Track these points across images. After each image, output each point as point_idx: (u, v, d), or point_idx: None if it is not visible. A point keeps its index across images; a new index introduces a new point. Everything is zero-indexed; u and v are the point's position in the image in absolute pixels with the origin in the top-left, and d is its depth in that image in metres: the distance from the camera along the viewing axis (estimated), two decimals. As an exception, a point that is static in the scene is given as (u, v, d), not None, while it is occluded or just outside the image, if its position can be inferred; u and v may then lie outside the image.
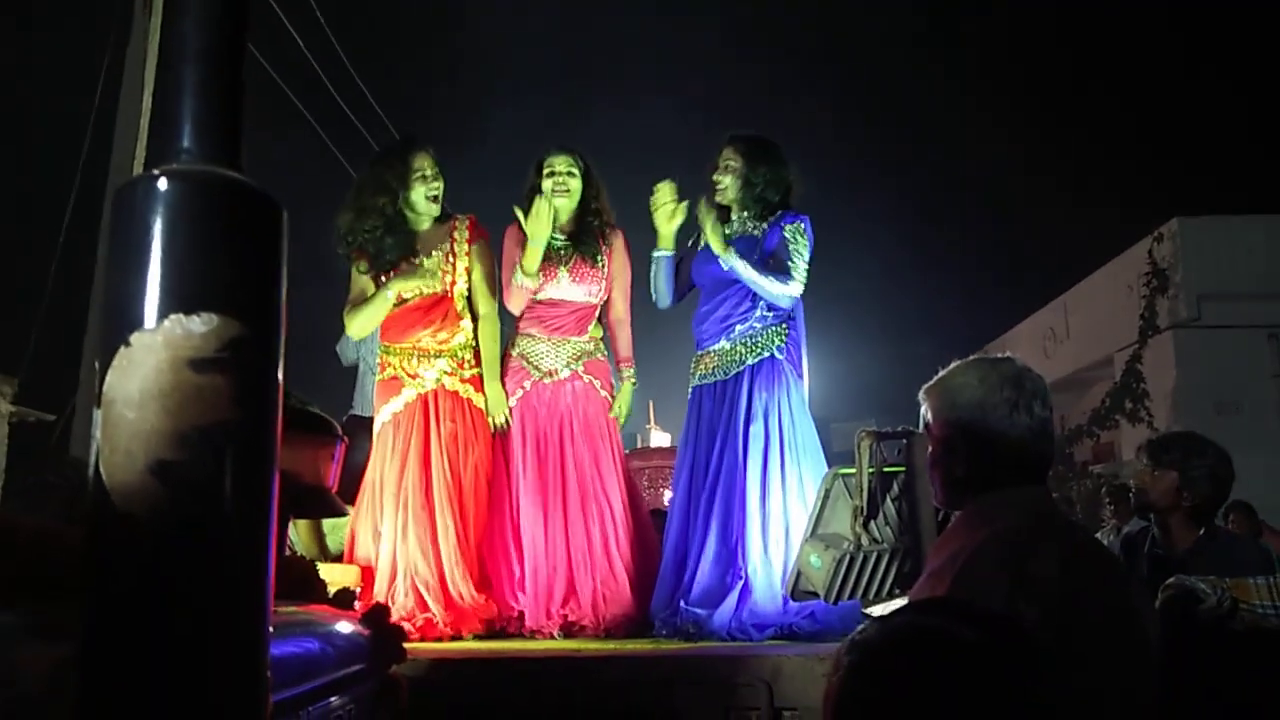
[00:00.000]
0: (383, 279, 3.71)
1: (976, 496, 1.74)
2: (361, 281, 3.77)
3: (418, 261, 3.72)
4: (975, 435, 1.73)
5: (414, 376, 3.69)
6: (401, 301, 3.73)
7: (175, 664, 0.88)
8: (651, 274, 3.76)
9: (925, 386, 1.87)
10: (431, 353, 3.71)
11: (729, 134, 3.75)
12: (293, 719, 1.47)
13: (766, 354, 3.52)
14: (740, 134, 3.73)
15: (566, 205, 3.79)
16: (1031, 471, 1.76)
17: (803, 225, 3.57)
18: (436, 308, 3.74)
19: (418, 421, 3.64)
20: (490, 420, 3.70)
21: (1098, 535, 4.39)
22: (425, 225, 3.82)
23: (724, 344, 3.59)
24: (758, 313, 3.56)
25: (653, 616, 3.44)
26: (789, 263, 3.51)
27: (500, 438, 3.74)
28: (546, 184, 3.76)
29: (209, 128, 0.94)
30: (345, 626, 1.86)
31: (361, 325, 3.76)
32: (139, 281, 0.89)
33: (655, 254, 3.73)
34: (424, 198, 3.74)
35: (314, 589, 2.11)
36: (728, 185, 3.67)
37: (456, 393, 3.71)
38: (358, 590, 3.41)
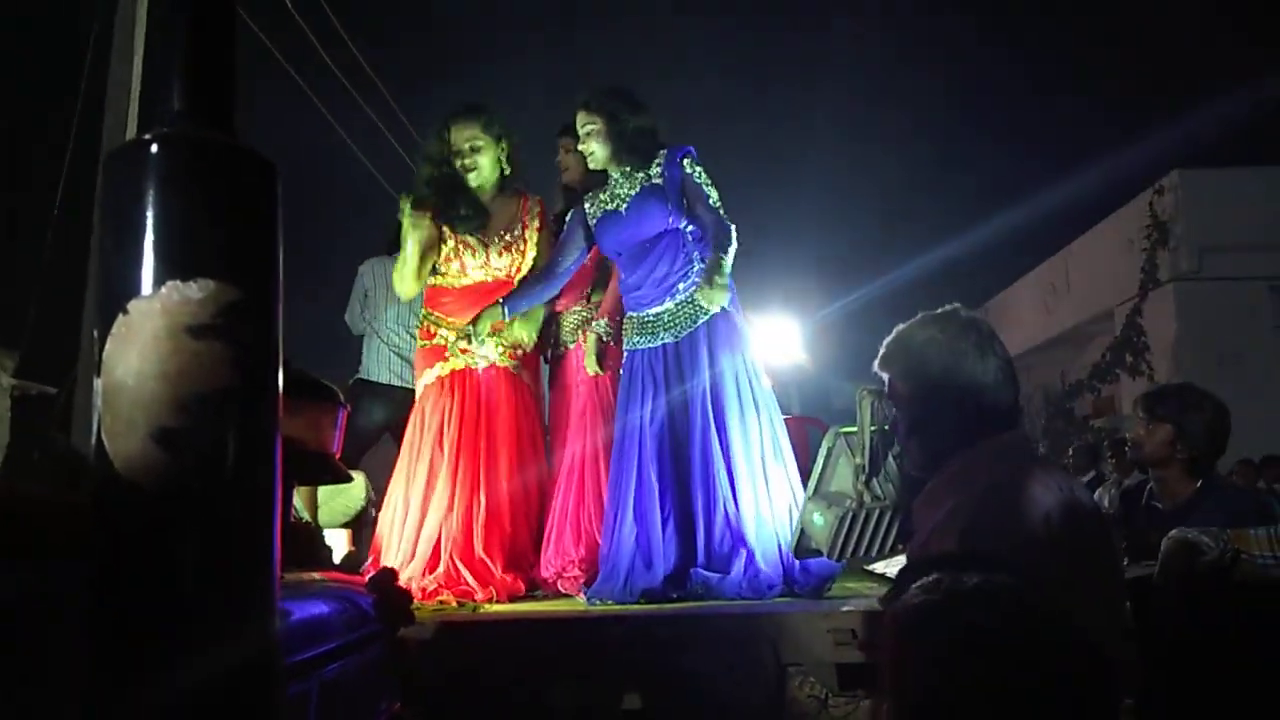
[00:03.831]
0: (455, 242, 3.68)
1: (962, 451, 1.72)
2: (414, 240, 3.65)
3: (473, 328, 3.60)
4: (954, 386, 1.71)
5: (463, 351, 3.67)
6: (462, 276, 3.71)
7: (183, 631, 0.89)
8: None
9: (882, 356, 1.83)
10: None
11: (578, 99, 3.55)
12: (303, 683, 1.49)
13: (717, 309, 3.36)
14: (587, 95, 3.54)
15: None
16: (1009, 415, 1.75)
17: (691, 157, 3.44)
18: (499, 292, 3.69)
19: (461, 393, 3.62)
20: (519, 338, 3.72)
21: (1100, 490, 4.41)
22: (489, 192, 3.75)
23: (669, 304, 3.44)
24: (695, 267, 3.42)
25: (646, 584, 3.40)
26: (707, 202, 3.36)
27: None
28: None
29: (201, 91, 0.93)
30: (352, 591, 1.87)
31: (408, 288, 3.71)
32: (134, 248, 0.88)
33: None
34: (461, 167, 3.68)
35: (319, 554, 2.13)
36: (595, 150, 3.51)
37: (507, 369, 3.70)
38: (352, 551, 3.43)
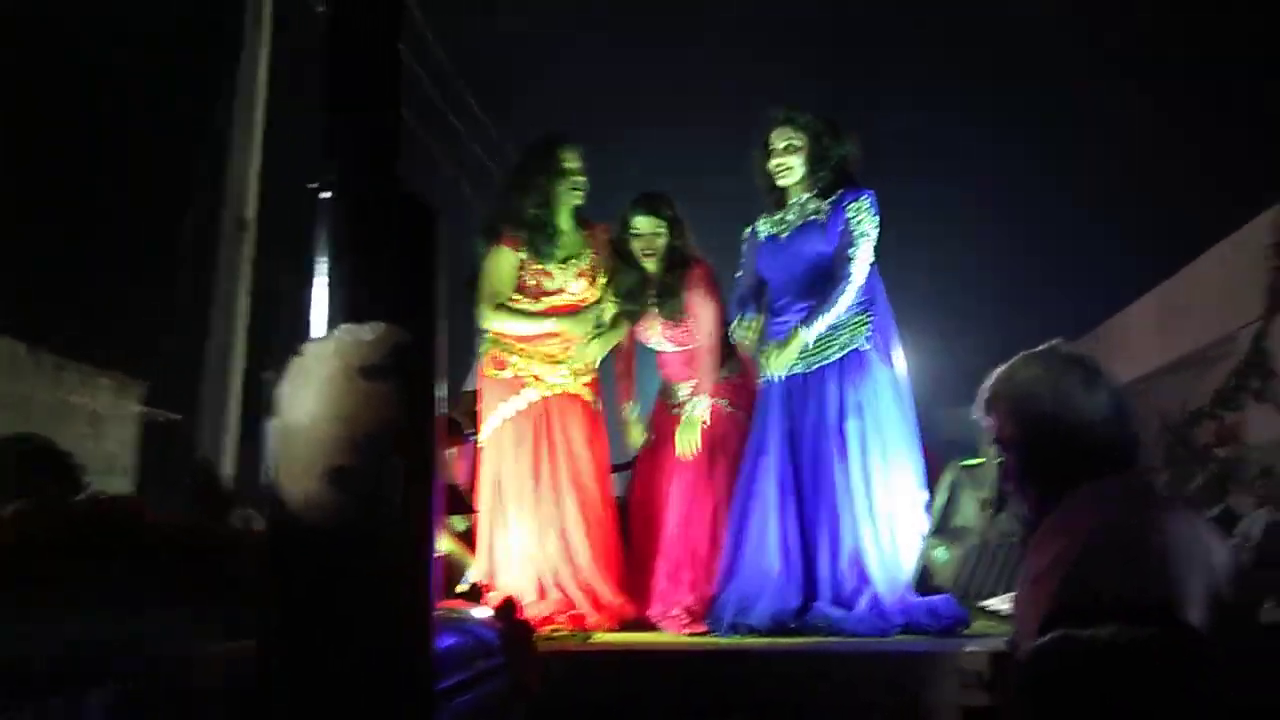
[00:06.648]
0: (534, 269, 3.73)
1: (1074, 491, 1.65)
2: (506, 271, 3.67)
3: (584, 302, 3.67)
4: (1064, 423, 1.63)
5: (537, 379, 3.70)
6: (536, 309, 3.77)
7: (351, 659, 0.91)
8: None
9: (983, 400, 1.74)
10: (556, 359, 3.72)
11: (777, 115, 3.47)
12: (440, 710, 1.51)
13: (853, 347, 3.35)
14: (794, 112, 3.47)
15: (652, 263, 3.76)
16: (1124, 451, 1.67)
17: (867, 201, 3.36)
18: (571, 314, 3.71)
19: (544, 423, 3.66)
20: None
21: (1245, 520, 4.17)
22: (565, 226, 3.76)
23: None
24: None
25: (775, 609, 3.37)
26: (848, 253, 3.34)
27: (652, 459, 3.79)
28: (635, 245, 3.71)
29: (369, 143, 0.96)
30: (480, 621, 1.90)
31: (504, 328, 3.70)
32: (308, 291, 0.92)
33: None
34: (567, 190, 3.68)
35: (453, 584, 2.17)
36: (794, 167, 3.44)
37: (579, 395, 3.73)
38: (477, 583, 3.47)
